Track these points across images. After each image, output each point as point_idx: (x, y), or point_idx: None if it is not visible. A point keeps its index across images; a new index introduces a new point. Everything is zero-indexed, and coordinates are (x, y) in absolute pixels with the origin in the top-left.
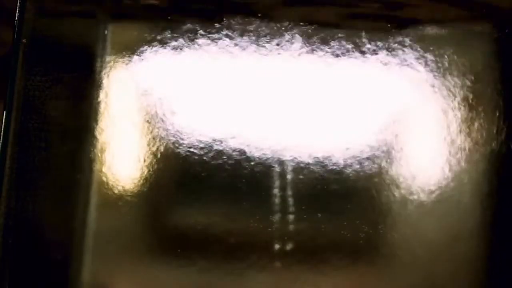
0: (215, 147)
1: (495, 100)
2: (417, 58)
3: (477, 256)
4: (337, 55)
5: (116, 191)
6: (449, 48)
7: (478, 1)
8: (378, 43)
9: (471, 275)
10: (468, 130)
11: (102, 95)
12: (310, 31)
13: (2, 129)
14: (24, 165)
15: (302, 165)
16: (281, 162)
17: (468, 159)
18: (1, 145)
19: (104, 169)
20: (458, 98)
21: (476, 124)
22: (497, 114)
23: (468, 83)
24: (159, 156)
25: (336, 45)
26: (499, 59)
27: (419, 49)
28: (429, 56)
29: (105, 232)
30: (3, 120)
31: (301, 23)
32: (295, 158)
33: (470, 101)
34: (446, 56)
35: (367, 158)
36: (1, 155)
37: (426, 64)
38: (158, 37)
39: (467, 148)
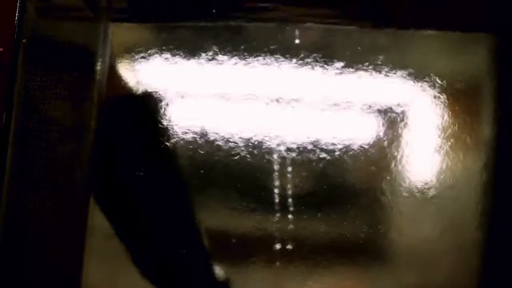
0: (216, 146)
1: (491, 99)
2: (417, 60)
3: (477, 255)
4: (337, 56)
5: (116, 191)
6: (447, 51)
7: (476, 7)
8: (377, 44)
9: (470, 274)
10: (467, 129)
11: (102, 95)
12: (307, 30)
13: (2, 129)
14: (24, 165)
15: (302, 165)
16: (282, 162)
17: (467, 158)
18: (1, 145)
19: (104, 169)
20: (457, 99)
21: (475, 124)
22: (495, 113)
23: (468, 83)
24: (159, 155)
25: (335, 45)
26: (496, 61)
27: (417, 50)
28: (428, 57)
29: (105, 232)
30: (3, 120)
31: (297, 23)
32: (295, 158)
33: (468, 101)
34: (444, 58)
35: (367, 158)
36: (1, 155)
37: (426, 64)
38: (158, 38)
39: (466, 148)
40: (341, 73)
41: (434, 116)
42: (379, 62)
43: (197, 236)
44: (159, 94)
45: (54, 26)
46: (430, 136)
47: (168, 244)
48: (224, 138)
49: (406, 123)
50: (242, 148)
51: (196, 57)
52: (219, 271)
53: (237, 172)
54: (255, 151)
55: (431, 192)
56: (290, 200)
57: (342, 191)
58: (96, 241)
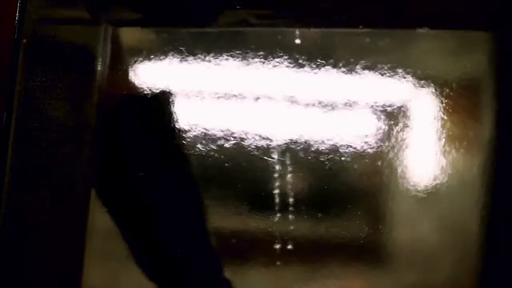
0: (216, 146)
1: (491, 99)
2: (417, 60)
3: (477, 255)
4: (337, 56)
5: (116, 191)
6: (447, 50)
7: (474, 6)
8: (377, 44)
9: (470, 274)
10: (467, 129)
11: (102, 96)
12: (307, 31)
13: (2, 129)
14: (24, 165)
15: (302, 165)
16: (282, 162)
17: (466, 158)
18: (1, 145)
19: (104, 169)
20: (456, 98)
21: (474, 123)
22: (495, 113)
23: (467, 83)
24: (159, 155)
25: (335, 45)
26: (495, 61)
27: (417, 50)
28: (428, 57)
29: (105, 232)
30: (3, 120)
31: (298, 23)
32: (296, 158)
33: (468, 101)
34: (444, 58)
35: (367, 158)
36: (1, 155)
37: (426, 64)
38: (158, 39)
39: (465, 148)
40: (341, 73)
41: (434, 115)
42: (379, 62)
43: (196, 235)
44: (159, 95)
45: (54, 26)
46: (430, 136)
47: (168, 244)
48: (224, 139)
49: (406, 123)
50: (243, 148)
51: (195, 59)
52: (219, 271)
53: (237, 172)
54: (256, 151)
55: (431, 192)
56: (290, 200)
57: (342, 191)
58: (96, 241)
